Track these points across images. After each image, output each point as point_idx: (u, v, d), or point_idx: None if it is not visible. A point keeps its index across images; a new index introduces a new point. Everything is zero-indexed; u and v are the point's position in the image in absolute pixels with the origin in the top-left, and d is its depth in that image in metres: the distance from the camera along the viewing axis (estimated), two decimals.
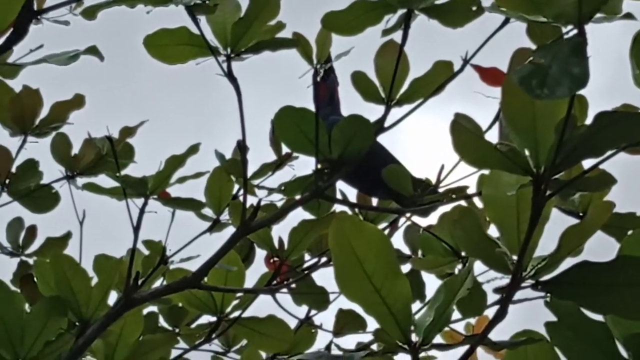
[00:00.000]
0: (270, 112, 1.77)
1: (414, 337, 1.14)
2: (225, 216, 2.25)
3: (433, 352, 1.18)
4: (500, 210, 1.16)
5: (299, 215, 2.05)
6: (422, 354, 1.15)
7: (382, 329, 1.14)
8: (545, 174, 1.09)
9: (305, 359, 1.29)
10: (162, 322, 2.23)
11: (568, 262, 1.16)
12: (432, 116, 1.99)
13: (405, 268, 2.32)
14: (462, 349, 1.19)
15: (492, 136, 1.43)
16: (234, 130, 1.88)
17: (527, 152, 1.10)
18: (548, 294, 1.16)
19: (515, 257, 1.15)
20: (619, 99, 1.44)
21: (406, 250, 2.31)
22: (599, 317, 1.16)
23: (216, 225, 2.24)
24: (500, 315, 1.15)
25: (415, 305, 2.27)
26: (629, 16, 1.10)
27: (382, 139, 1.91)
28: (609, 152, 1.10)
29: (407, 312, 1.12)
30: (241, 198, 2.03)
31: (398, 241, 2.33)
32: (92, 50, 1.29)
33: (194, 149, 2.02)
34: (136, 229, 1.90)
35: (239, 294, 2.00)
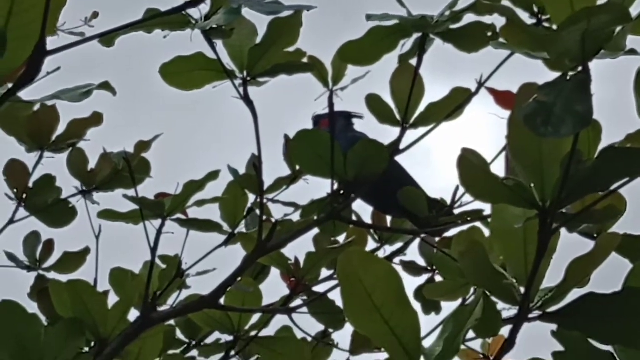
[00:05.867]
0: (279, 123, 1.77)
1: None
2: (240, 229, 2.26)
3: None
4: (508, 242, 1.17)
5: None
6: None
7: (391, 359, 1.15)
8: (551, 208, 1.11)
9: None
10: (178, 334, 2.24)
11: (576, 292, 1.18)
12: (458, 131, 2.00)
13: (422, 279, 2.34)
14: None
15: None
16: (245, 141, 1.87)
17: (533, 186, 1.12)
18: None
19: (522, 289, 1.16)
20: None
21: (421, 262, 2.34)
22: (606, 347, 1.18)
23: (231, 239, 2.25)
24: (509, 347, 1.16)
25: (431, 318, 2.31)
26: (633, 52, 1.11)
27: (401, 157, 1.92)
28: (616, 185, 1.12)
29: (417, 343, 1.13)
30: (256, 211, 2.05)
31: (413, 253, 2.35)
32: (105, 86, 1.31)
33: (213, 175, 2.03)
34: (153, 250, 1.92)
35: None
